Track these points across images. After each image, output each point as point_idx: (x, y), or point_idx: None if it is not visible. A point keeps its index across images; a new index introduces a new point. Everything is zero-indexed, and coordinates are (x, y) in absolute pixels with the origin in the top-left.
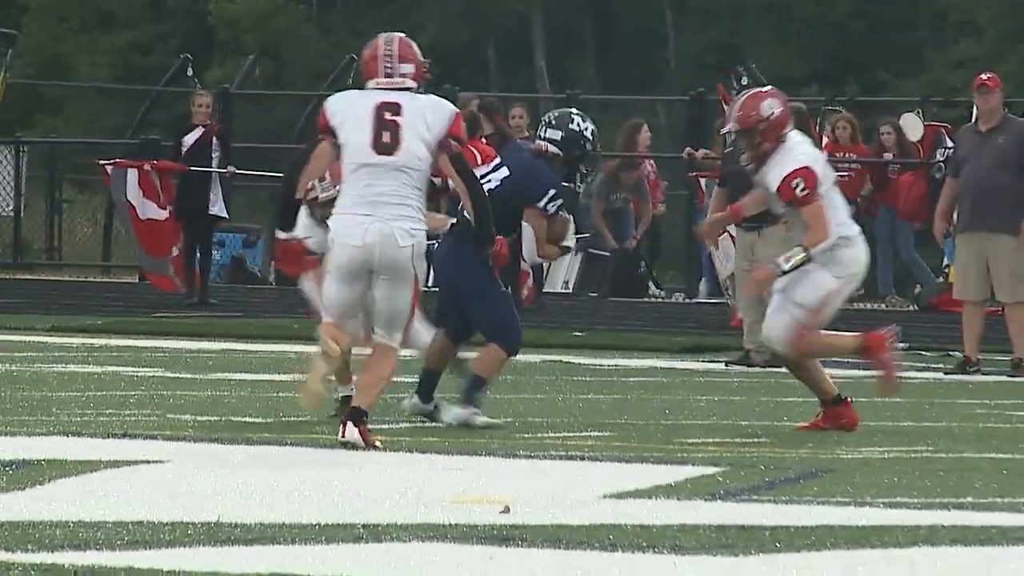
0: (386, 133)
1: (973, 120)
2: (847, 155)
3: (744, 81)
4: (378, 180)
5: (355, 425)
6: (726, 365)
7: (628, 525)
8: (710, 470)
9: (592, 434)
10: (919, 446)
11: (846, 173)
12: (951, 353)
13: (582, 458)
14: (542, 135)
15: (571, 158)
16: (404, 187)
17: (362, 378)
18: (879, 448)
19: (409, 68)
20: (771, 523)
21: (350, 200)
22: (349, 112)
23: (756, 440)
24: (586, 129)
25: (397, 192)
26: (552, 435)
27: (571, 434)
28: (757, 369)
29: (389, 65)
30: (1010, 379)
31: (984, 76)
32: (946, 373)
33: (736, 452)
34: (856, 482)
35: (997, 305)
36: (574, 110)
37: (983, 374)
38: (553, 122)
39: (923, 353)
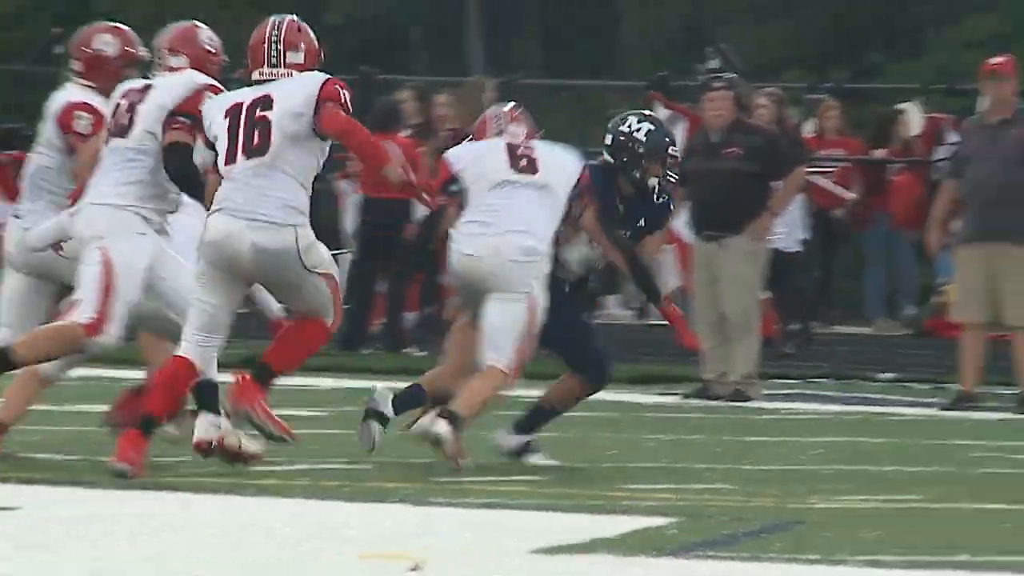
0: None
1: (980, 112)
2: (835, 151)
3: (715, 64)
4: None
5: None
6: (683, 398)
7: None
8: (659, 521)
9: (520, 478)
10: (905, 494)
11: (831, 169)
12: (946, 385)
13: (508, 507)
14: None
15: (620, 165)
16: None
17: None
18: (858, 496)
19: None
20: None
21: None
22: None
23: (714, 487)
24: (638, 130)
25: None
26: (473, 479)
27: (496, 478)
28: (719, 403)
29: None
30: (1016, 416)
31: (996, 60)
32: (941, 409)
33: (690, 500)
34: (829, 536)
35: (1001, 329)
36: (641, 112)
37: (983, 410)
38: (608, 126)
39: (913, 385)
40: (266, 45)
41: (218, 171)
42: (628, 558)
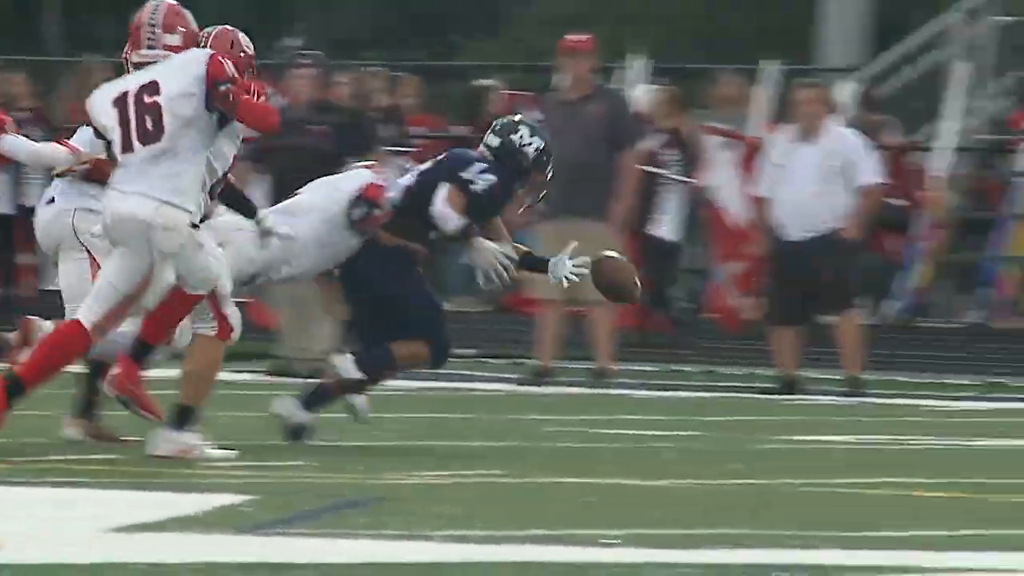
0: None
1: (558, 89)
2: (417, 128)
3: (295, 42)
4: None
5: None
6: (263, 375)
7: (137, 564)
8: (237, 499)
9: (99, 457)
10: (486, 469)
11: (414, 148)
12: (524, 361)
13: (86, 485)
14: (484, 140)
15: (505, 171)
16: None
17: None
18: (439, 472)
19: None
20: (309, 560)
21: None
22: None
23: (295, 463)
24: (529, 144)
25: None
26: (51, 458)
27: (73, 456)
28: (299, 380)
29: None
30: (590, 391)
31: (575, 38)
32: (518, 384)
33: (270, 477)
34: (412, 511)
35: (579, 305)
36: (527, 120)
37: (560, 385)
38: (497, 127)
39: (491, 361)
40: (144, 28)
41: (112, 159)
42: (205, 536)
